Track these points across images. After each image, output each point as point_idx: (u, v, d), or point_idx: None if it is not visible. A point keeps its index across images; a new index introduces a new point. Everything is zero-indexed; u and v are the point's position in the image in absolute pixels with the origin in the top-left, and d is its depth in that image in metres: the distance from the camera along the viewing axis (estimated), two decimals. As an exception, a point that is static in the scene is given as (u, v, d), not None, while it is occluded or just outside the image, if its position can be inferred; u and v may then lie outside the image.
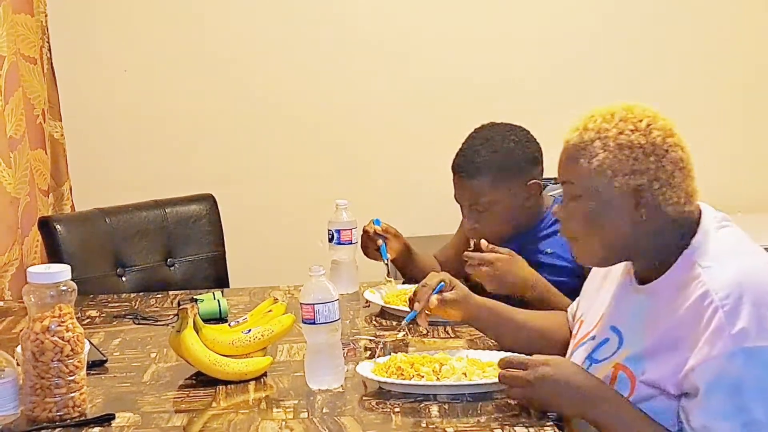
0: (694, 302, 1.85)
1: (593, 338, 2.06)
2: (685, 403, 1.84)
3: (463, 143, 2.80)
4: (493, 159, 2.71)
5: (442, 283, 2.30)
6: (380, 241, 2.89)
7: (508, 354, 2.04)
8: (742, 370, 1.77)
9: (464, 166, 2.75)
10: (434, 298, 2.28)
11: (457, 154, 2.79)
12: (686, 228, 1.93)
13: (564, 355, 2.23)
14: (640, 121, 1.92)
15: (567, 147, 1.98)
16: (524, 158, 2.73)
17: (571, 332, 2.27)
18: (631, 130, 1.91)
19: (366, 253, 2.94)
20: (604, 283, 2.13)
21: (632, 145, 1.90)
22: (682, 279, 1.89)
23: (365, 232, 2.91)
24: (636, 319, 1.97)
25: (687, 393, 1.84)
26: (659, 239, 1.93)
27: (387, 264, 2.88)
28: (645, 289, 1.97)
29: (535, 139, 2.78)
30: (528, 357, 1.93)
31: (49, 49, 3.61)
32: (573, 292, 2.67)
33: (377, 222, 2.91)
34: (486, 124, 2.81)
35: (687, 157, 1.93)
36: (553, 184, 2.74)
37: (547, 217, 2.75)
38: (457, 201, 2.81)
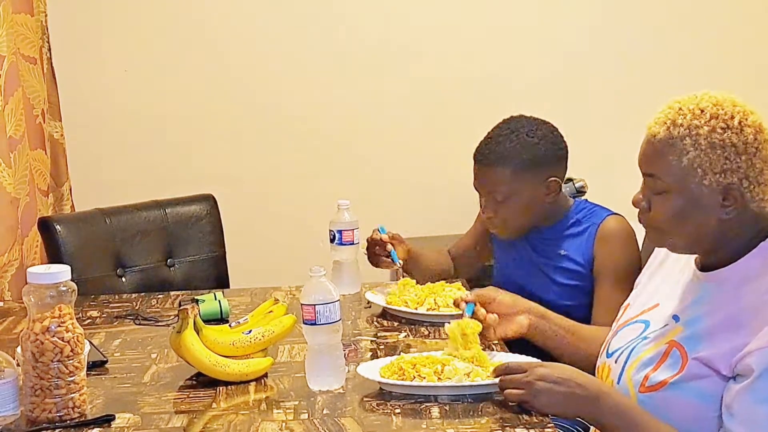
0: (766, 291, 1.84)
1: (646, 323, 2.04)
2: (732, 384, 1.82)
3: (489, 132, 2.76)
4: (516, 150, 2.68)
5: (471, 304, 2.27)
6: (389, 247, 2.87)
7: (487, 385, 1.99)
8: None
9: (486, 154, 2.72)
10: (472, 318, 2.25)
11: (480, 142, 2.76)
12: (766, 221, 1.92)
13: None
14: (732, 118, 1.90)
15: (653, 141, 1.94)
16: (547, 154, 2.71)
17: None
18: (723, 129, 1.89)
19: (374, 263, 2.91)
20: (659, 270, 2.11)
21: (725, 144, 1.88)
22: (756, 268, 1.89)
23: (372, 240, 2.89)
24: (696, 304, 1.95)
25: (737, 376, 1.82)
26: (740, 233, 1.92)
27: (399, 268, 2.87)
28: (710, 276, 1.96)
29: (561, 138, 2.75)
30: (525, 361, 1.92)
31: (49, 49, 3.61)
32: (582, 293, 2.68)
33: (382, 230, 2.89)
34: (515, 116, 2.78)
35: None
36: (563, 183, 2.74)
37: (567, 218, 2.74)
38: (476, 189, 2.78)
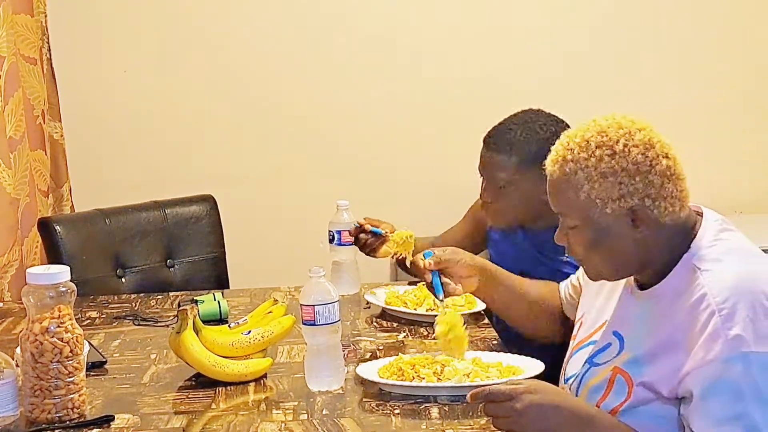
0: (693, 305, 1.84)
1: (594, 343, 2.05)
2: (683, 410, 1.83)
3: (505, 119, 2.77)
4: (525, 142, 2.68)
5: (428, 251, 2.29)
6: (368, 226, 2.87)
7: (483, 386, 1.90)
8: (741, 375, 1.75)
9: (495, 140, 2.72)
10: (429, 260, 2.28)
11: (493, 126, 2.76)
12: (686, 231, 1.92)
13: (556, 324, 2.31)
14: (617, 142, 1.89)
15: (552, 180, 1.97)
16: None
17: (561, 304, 2.34)
18: (610, 156, 1.89)
19: (368, 251, 2.90)
20: (604, 287, 2.11)
21: (615, 170, 1.88)
22: (682, 282, 1.88)
23: (353, 235, 2.88)
24: (638, 324, 1.96)
25: (683, 398, 1.82)
26: (663, 248, 1.92)
27: (387, 234, 2.85)
28: (646, 294, 1.96)
29: None
30: (510, 387, 1.84)
31: (49, 50, 3.61)
32: None
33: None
34: (532, 108, 2.78)
35: (674, 163, 1.90)
36: None
37: None
38: (479, 172, 2.78)
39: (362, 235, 2.88)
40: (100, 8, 3.97)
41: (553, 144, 2.70)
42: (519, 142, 2.69)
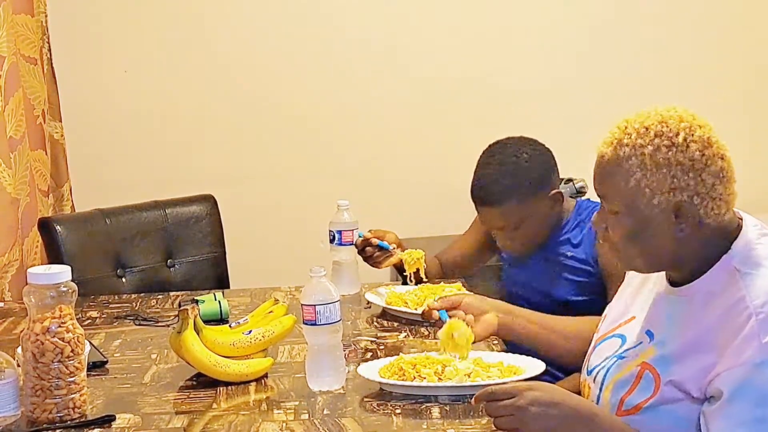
0: (730, 307, 1.82)
1: (620, 336, 2.03)
2: (706, 408, 1.81)
3: (478, 170, 2.76)
4: (513, 182, 2.69)
5: (443, 311, 2.26)
6: (375, 240, 2.87)
7: (485, 387, 1.89)
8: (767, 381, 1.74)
9: (487, 197, 2.72)
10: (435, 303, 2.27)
11: (474, 185, 2.75)
12: (727, 233, 1.90)
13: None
14: (677, 135, 1.86)
15: (602, 162, 1.92)
16: (541, 171, 2.72)
17: None
18: (667, 147, 1.85)
19: (372, 263, 2.90)
20: (634, 279, 2.09)
21: (670, 162, 1.85)
22: (720, 283, 1.86)
23: (359, 247, 2.87)
24: (669, 321, 1.93)
25: (710, 398, 1.80)
26: (700, 248, 1.89)
27: (396, 250, 2.86)
28: (680, 291, 1.93)
29: (544, 147, 2.77)
30: (512, 385, 1.83)
31: (49, 50, 3.61)
32: (593, 288, 2.68)
33: (360, 234, 2.87)
34: (494, 145, 2.78)
35: (728, 165, 1.88)
36: (565, 184, 2.74)
37: (570, 220, 2.78)
38: (484, 225, 2.83)
39: (368, 249, 2.88)
40: (100, 8, 3.98)
41: (539, 162, 2.70)
42: (508, 187, 2.69)
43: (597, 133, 4.09)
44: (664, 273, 1.99)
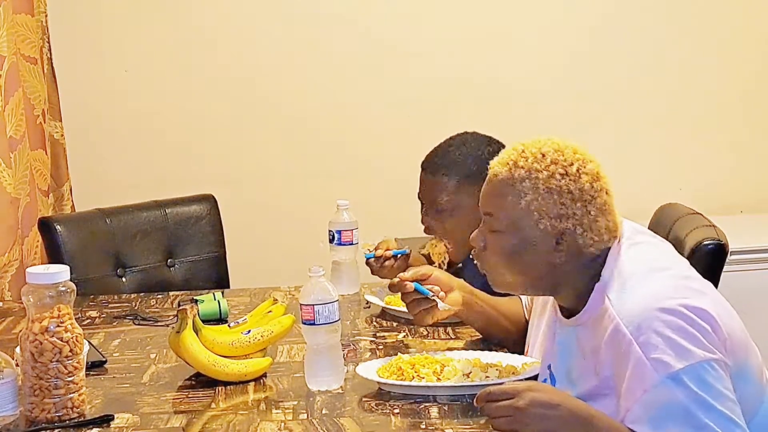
0: (610, 337, 1.86)
1: (535, 377, 2.07)
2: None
3: (440, 143, 2.77)
4: (462, 162, 2.69)
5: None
6: (389, 253, 2.81)
7: (485, 388, 1.90)
8: (680, 395, 1.76)
9: (432, 162, 2.73)
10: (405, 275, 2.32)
11: (429, 152, 2.77)
12: (602, 261, 1.94)
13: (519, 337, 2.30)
14: (571, 164, 1.92)
15: (494, 180, 1.98)
16: (484, 168, 2.70)
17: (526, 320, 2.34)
18: (561, 174, 1.91)
19: (386, 275, 2.85)
20: (541, 314, 2.14)
21: (561, 190, 1.91)
22: (598, 312, 1.91)
23: (372, 266, 2.84)
24: (565, 356, 1.99)
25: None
26: (575, 275, 1.94)
27: (410, 252, 2.84)
28: (570, 323, 1.98)
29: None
30: (511, 386, 1.84)
31: (49, 49, 3.61)
32: None
33: (369, 255, 2.83)
34: (468, 131, 2.79)
35: (611, 200, 1.94)
36: None
37: None
38: (419, 198, 2.78)
39: (388, 263, 2.82)
40: (100, 8, 3.98)
41: (490, 161, 2.70)
42: (455, 162, 2.69)
43: (597, 133, 4.12)
44: (553, 304, 2.03)
